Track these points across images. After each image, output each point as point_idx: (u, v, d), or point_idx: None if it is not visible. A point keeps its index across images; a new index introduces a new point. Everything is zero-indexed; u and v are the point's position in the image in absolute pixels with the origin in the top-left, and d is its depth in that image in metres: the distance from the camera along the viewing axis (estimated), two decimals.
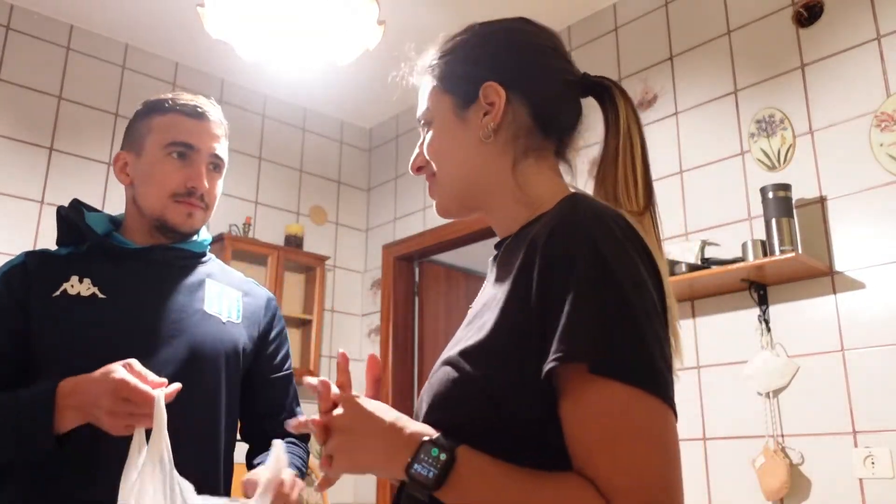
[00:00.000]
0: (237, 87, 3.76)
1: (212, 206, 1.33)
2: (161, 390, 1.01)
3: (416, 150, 0.89)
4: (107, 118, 3.30)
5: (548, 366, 0.65)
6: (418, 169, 0.89)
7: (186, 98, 1.32)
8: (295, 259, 3.64)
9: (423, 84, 0.89)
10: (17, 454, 1.08)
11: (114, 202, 3.09)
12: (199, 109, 1.31)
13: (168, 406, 1.04)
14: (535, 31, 0.88)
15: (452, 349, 0.77)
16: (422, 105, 0.89)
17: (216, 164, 1.32)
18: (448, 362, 0.75)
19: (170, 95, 1.33)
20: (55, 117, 3.16)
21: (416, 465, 0.65)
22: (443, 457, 0.65)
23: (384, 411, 0.71)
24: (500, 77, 0.83)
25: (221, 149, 1.33)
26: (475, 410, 0.69)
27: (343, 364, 0.82)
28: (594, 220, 0.69)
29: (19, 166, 3.02)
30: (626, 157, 0.80)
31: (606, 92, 0.85)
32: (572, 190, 0.84)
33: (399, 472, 0.67)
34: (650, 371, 0.64)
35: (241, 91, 3.78)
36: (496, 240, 0.89)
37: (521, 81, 0.83)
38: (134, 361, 1.04)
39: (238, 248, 3.43)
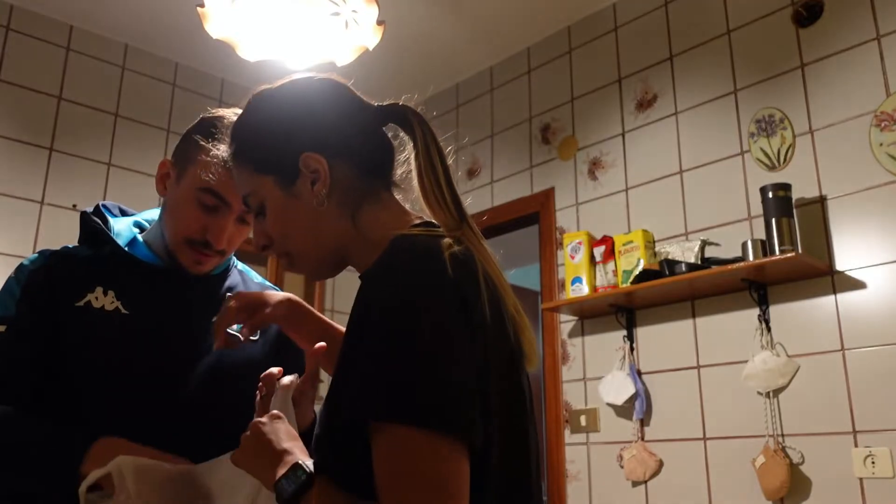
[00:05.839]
0: (237, 87, 3.76)
1: (230, 253, 1.28)
2: None
3: (252, 231, 0.93)
4: (107, 118, 3.30)
5: (342, 421, 0.73)
6: (263, 248, 0.91)
7: None
8: None
9: (236, 169, 0.91)
10: (40, 489, 1.06)
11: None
12: None
13: (188, 428, 1.09)
14: (319, 88, 0.90)
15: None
16: (242, 189, 0.91)
17: (245, 220, 1.24)
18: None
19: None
20: (55, 117, 3.15)
21: (282, 480, 0.76)
22: (303, 477, 0.74)
23: (281, 439, 0.82)
24: (313, 146, 0.85)
25: None
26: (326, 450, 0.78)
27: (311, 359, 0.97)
28: (389, 272, 0.73)
29: (19, 166, 3.02)
30: (427, 174, 0.84)
31: (402, 116, 0.88)
32: (416, 220, 0.87)
33: (271, 484, 0.77)
34: (425, 409, 0.68)
35: (241, 91, 3.77)
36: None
37: (334, 143, 0.86)
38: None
39: (239, 248, 3.41)
